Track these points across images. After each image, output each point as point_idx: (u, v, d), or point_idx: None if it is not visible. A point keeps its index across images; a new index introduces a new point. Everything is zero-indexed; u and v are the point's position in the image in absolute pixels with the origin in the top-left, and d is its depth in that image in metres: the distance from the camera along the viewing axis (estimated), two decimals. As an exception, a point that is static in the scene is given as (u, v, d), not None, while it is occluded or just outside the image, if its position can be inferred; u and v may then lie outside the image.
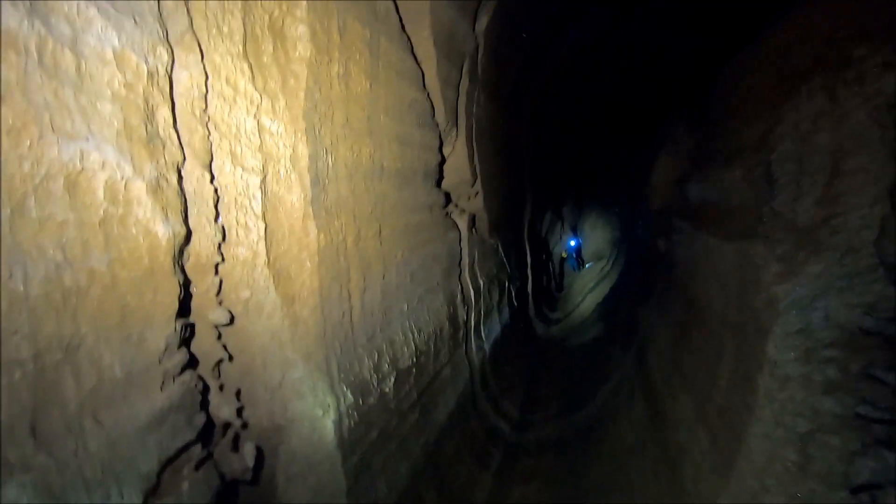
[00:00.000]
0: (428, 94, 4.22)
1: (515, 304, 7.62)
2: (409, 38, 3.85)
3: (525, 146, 9.23)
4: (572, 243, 15.27)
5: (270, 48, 2.31)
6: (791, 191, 2.22)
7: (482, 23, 5.36)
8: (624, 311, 7.49)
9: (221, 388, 2.17)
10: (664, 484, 3.48)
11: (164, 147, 1.78)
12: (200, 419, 1.93)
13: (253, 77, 2.21)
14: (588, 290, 11.70)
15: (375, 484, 3.08)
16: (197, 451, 1.92)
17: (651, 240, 7.05)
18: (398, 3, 3.66)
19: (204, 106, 2.00)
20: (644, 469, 3.88)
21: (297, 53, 2.41)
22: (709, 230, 3.30)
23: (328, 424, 2.59)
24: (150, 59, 1.71)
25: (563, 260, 15.08)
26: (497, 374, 6.12)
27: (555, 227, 13.34)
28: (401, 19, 3.67)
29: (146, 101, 1.70)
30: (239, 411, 2.19)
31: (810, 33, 2.38)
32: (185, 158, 1.91)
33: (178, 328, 1.82)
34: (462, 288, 5.09)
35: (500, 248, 6.72)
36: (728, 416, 2.70)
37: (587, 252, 16.63)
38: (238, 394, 2.29)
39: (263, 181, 2.28)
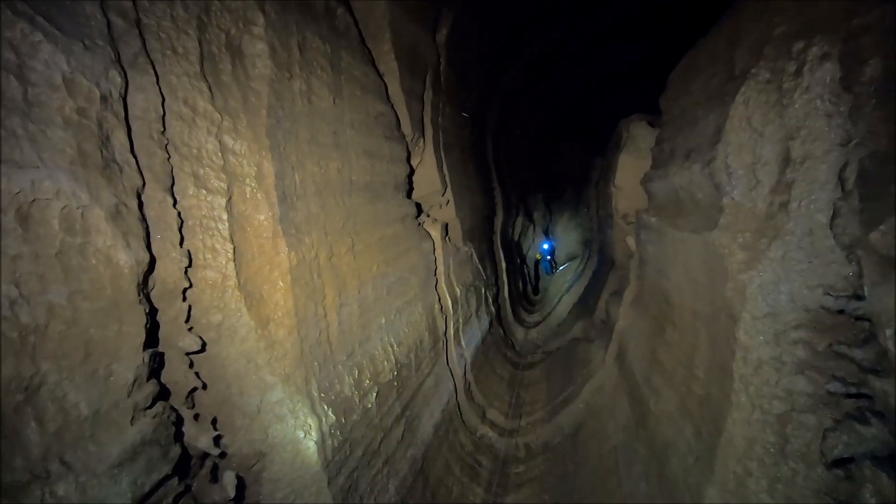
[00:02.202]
0: (393, 107, 4.22)
1: (493, 309, 7.64)
2: (370, 52, 3.86)
3: (492, 153, 9.34)
4: (545, 246, 15.46)
5: (229, 66, 2.28)
6: (748, 181, 2.31)
7: (442, 34, 5.43)
8: (601, 310, 7.61)
9: (196, 417, 2.09)
10: (654, 481, 3.51)
11: (121, 172, 1.72)
12: (175, 452, 1.85)
13: (212, 96, 2.17)
14: (564, 290, 11.84)
15: (364, 504, 3.01)
16: (174, 485, 1.84)
17: (620, 238, 7.20)
18: (357, 17, 3.67)
19: (162, 128, 1.95)
20: (633, 468, 3.90)
21: (257, 71, 2.39)
22: (675, 225, 3.39)
23: (311, 446, 2.52)
24: (103, 83, 1.66)
25: (537, 263, 15.24)
26: (480, 381, 6.10)
27: (527, 231, 13.50)
28: (361, 34, 3.68)
29: (100, 126, 1.64)
30: (216, 440, 2.11)
31: (750, 32, 2.51)
32: (144, 183, 1.85)
33: (147, 359, 1.75)
34: (439, 297, 5.08)
35: (475, 255, 6.74)
36: (708, 405, 2.76)
37: (560, 253, 16.86)
38: (214, 422, 2.21)
39: (229, 202, 2.23)
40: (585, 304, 9.41)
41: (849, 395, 1.87)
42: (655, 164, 4.32)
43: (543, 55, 9.33)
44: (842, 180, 1.89)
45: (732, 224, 2.43)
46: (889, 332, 1.53)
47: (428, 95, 5.27)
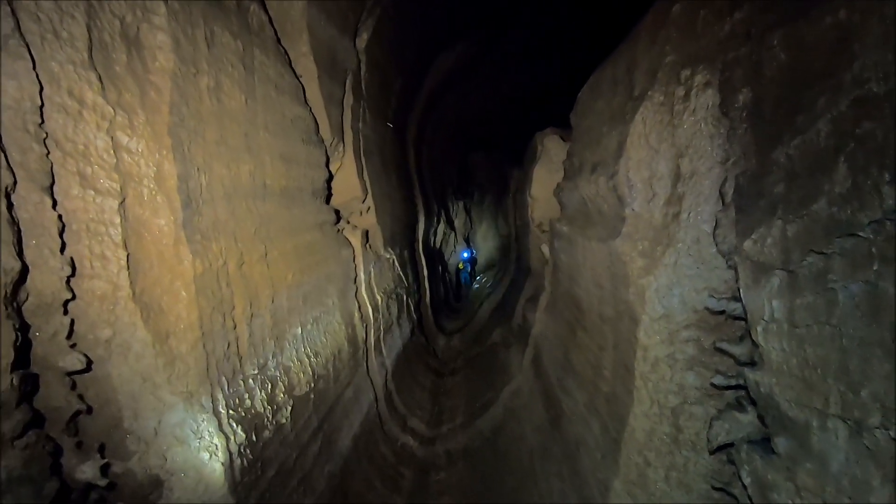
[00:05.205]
0: (311, 110, 4.10)
1: (415, 317, 7.64)
2: (286, 53, 3.72)
3: (414, 161, 9.39)
4: (465, 255, 15.78)
5: (124, 57, 2.08)
6: (646, 193, 2.52)
7: (363, 39, 5.38)
8: (518, 316, 7.88)
9: (79, 445, 1.86)
10: (567, 479, 3.69)
11: (-14, 168, 1.50)
12: (52, 486, 1.63)
13: (103, 88, 1.96)
14: (484, 297, 12.14)
15: (277, 526, 2.85)
16: (49, 525, 1.62)
17: (536, 246, 7.53)
18: (273, 16, 3.53)
19: (39, 120, 1.73)
20: (548, 468, 4.07)
21: (158, 64, 2.20)
22: (584, 234, 3.61)
23: (217, 468, 2.35)
24: (-38, 65, 1.44)
25: (458, 270, 15.50)
26: (401, 390, 6.05)
27: (448, 238, 13.69)
28: (276, 33, 3.54)
29: (-42, 115, 1.42)
30: (104, 469, 1.89)
31: (646, 58, 2.76)
32: (16, 182, 1.63)
33: (16, 382, 1.53)
34: (360, 306, 4.98)
35: (396, 263, 6.70)
36: (614, 403, 2.95)
37: (480, 261, 17.28)
38: (102, 449, 1.98)
39: (122, 204, 2.03)
40: (504, 310, 9.70)
41: (729, 387, 2.10)
42: (566, 176, 4.58)
43: (463, 67, 9.58)
44: (722, 194, 2.13)
45: (633, 233, 2.63)
46: (759, 329, 1.74)
47: (348, 100, 5.19)
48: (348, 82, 5.20)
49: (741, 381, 1.98)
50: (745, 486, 1.88)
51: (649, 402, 2.50)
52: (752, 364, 1.87)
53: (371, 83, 5.86)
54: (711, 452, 2.12)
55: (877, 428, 1.30)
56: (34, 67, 1.71)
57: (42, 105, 1.74)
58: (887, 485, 1.28)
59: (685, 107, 2.25)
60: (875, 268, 1.29)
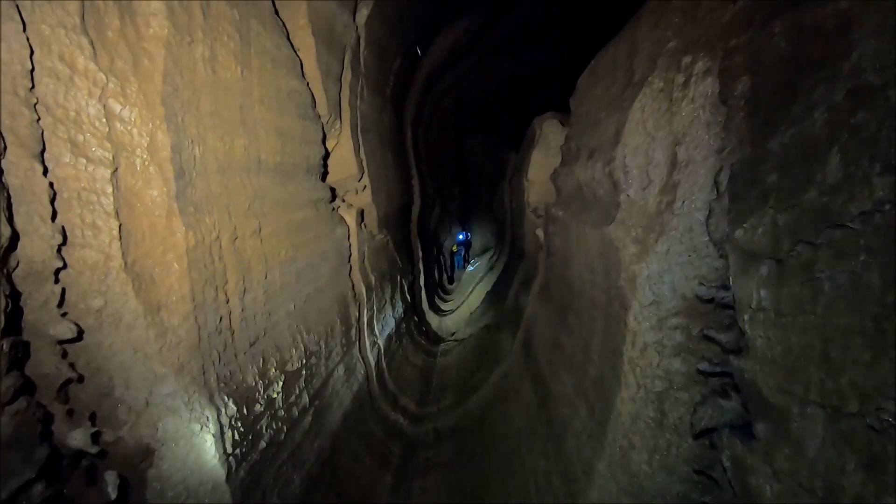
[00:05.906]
0: (308, 85, 4.04)
1: (408, 298, 7.67)
2: (284, 25, 3.65)
3: (411, 142, 9.31)
4: (460, 237, 15.79)
5: (117, 22, 2.03)
6: (641, 180, 2.53)
7: (362, 14, 5.27)
8: (511, 299, 7.94)
9: (70, 413, 1.88)
10: (552, 458, 3.76)
11: (-26, 132, 1.48)
12: (42, 452, 1.65)
13: (95, 54, 1.92)
14: (478, 280, 12.20)
15: (267, 499, 2.90)
16: (39, 490, 1.64)
17: (531, 230, 7.54)
18: (270, -14, 3.45)
19: (30, 85, 1.70)
20: (534, 448, 4.14)
21: (151, 31, 2.15)
22: (578, 219, 3.62)
23: (208, 439, 2.38)
24: (-51, 25, 1.40)
25: (453, 253, 15.54)
26: (393, 369, 6.11)
27: (444, 220, 13.67)
28: (274, 3, 3.46)
29: (-55, 76, 1.39)
30: (95, 437, 1.91)
31: (647, 44, 2.74)
32: (5, 147, 1.61)
33: (6, 348, 1.53)
34: (353, 284, 4.99)
35: (391, 243, 6.70)
36: (601, 386, 3.00)
37: (476, 244, 17.30)
38: (93, 418, 1.99)
39: (115, 174, 2.01)
40: (497, 292, 9.76)
41: (714, 374, 2.14)
42: (564, 161, 4.56)
43: (463, 48, 9.43)
44: (717, 183, 2.13)
45: (627, 219, 2.64)
46: (746, 317, 1.76)
47: (346, 76, 5.11)
48: (347, 58, 5.11)
49: (726, 369, 2.02)
50: (725, 470, 1.93)
51: (636, 386, 2.55)
52: (737, 352, 1.91)
53: (370, 60, 5.77)
54: (694, 437, 2.16)
55: (854, 415, 1.34)
56: (24, 30, 1.67)
57: (32, 69, 1.71)
58: (860, 470, 1.32)
59: (684, 94, 2.24)
60: (861, 258, 1.30)
